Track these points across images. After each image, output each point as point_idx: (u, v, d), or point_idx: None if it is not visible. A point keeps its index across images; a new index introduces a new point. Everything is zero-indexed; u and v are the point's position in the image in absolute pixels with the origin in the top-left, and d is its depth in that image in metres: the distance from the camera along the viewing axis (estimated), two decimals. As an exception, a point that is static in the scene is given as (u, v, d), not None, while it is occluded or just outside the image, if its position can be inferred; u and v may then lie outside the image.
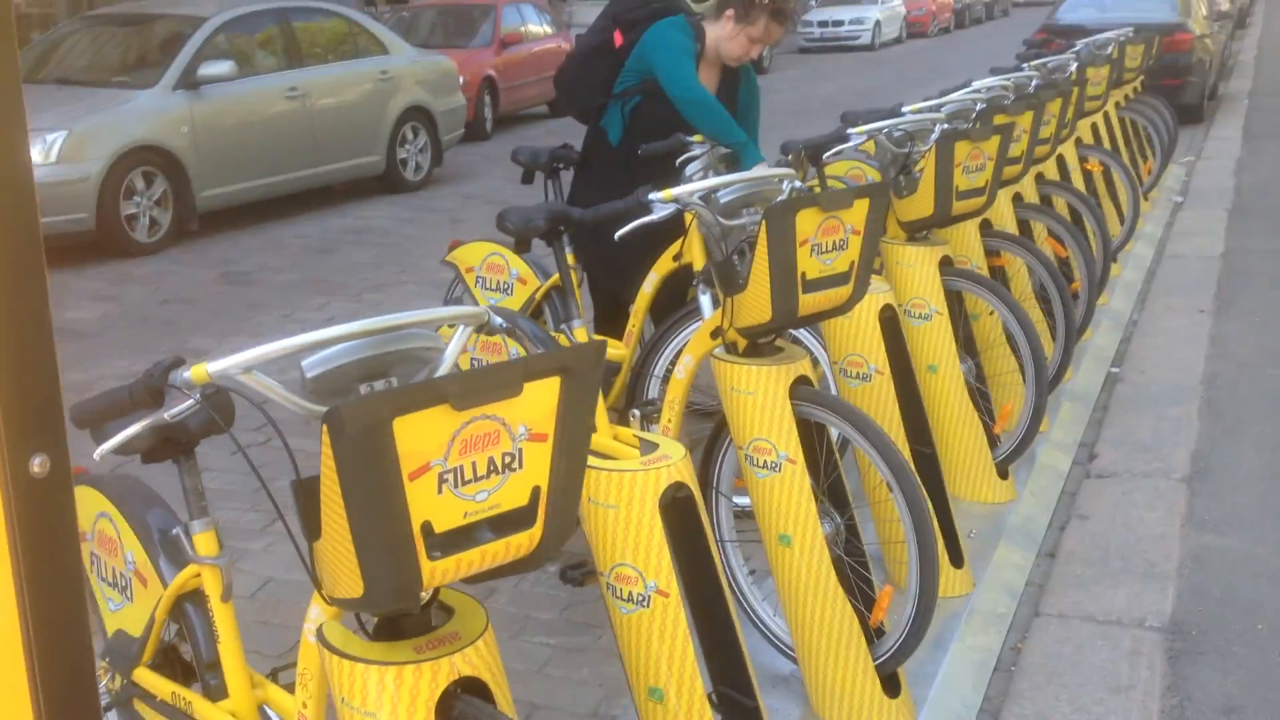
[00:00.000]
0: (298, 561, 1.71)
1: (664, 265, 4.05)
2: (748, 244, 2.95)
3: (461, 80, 13.65)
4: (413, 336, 1.78)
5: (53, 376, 1.05)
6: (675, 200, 2.94)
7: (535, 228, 3.47)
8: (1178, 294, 6.49)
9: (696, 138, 4.24)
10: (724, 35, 4.27)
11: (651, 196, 2.95)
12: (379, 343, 1.74)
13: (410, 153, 10.89)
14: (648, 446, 2.56)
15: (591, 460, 2.39)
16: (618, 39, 4.40)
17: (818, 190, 5.29)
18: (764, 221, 2.75)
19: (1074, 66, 7.13)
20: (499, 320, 1.87)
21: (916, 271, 4.15)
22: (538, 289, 4.36)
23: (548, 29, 16.53)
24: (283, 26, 9.79)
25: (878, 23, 28.91)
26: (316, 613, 1.84)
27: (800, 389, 2.91)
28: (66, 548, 1.08)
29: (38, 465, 1.04)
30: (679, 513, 2.52)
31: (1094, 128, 7.66)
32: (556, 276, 4.15)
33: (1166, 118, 9.60)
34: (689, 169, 3.83)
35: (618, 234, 3.06)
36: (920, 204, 4.14)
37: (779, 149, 5.00)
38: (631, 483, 2.43)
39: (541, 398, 1.64)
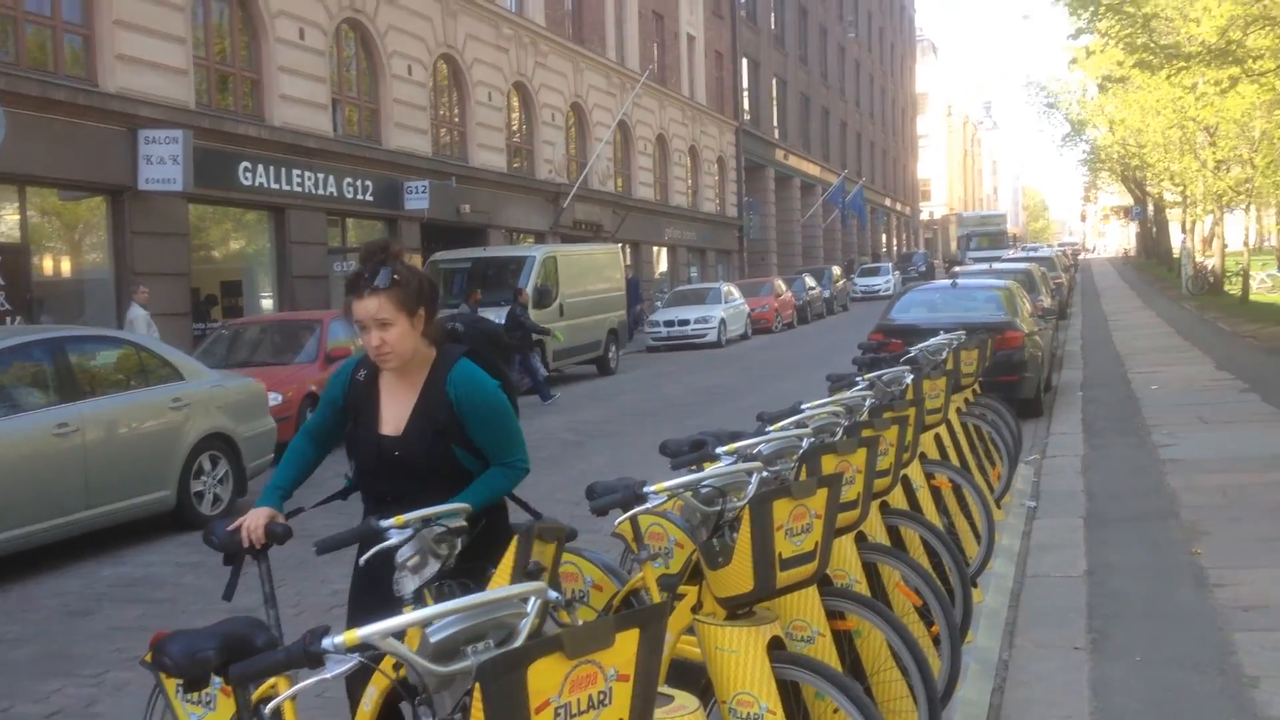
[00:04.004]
0: None
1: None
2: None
3: (280, 398, 12.85)
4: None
5: None
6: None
7: (204, 661, 2.53)
8: (1047, 625, 5.78)
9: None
10: None
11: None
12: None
13: (208, 484, 9.83)
14: None
15: None
16: None
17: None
18: (477, 681, 1.87)
19: (909, 379, 6.67)
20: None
21: (741, 659, 3.31)
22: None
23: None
24: (56, 359, 8.81)
25: (723, 320, 29.40)
26: None
27: None
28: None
29: None
30: None
31: (937, 439, 7.15)
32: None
33: (1008, 419, 9.28)
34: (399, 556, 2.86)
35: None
36: (737, 577, 3.34)
37: (584, 503, 4.16)
38: None
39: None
